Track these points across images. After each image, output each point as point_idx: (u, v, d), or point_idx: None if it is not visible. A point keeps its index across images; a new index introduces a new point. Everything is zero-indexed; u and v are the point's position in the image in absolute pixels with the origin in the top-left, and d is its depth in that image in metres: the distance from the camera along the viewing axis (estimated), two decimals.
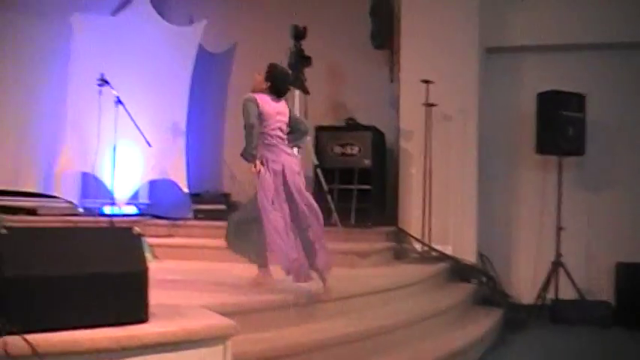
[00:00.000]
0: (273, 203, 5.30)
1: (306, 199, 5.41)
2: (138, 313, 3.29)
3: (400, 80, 8.84)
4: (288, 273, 5.28)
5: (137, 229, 3.40)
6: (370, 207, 8.50)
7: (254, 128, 5.36)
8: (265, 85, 5.61)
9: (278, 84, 5.65)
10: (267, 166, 5.41)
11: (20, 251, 3.14)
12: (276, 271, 5.48)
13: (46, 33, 9.55)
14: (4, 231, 3.16)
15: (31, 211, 8.74)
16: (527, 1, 8.78)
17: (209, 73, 9.79)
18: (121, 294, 3.23)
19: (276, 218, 5.25)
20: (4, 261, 3.08)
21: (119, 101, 8.09)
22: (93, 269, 3.20)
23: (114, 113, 8.11)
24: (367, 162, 8.58)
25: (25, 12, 9.52)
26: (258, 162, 5.42)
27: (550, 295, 8.31)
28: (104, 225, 7.89)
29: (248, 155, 5.47)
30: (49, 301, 3.10)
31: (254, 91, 5.61)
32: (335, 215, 7.97)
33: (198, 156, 9.60)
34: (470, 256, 8.33)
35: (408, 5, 8.80)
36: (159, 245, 7.29)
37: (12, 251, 3.11)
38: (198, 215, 9.14)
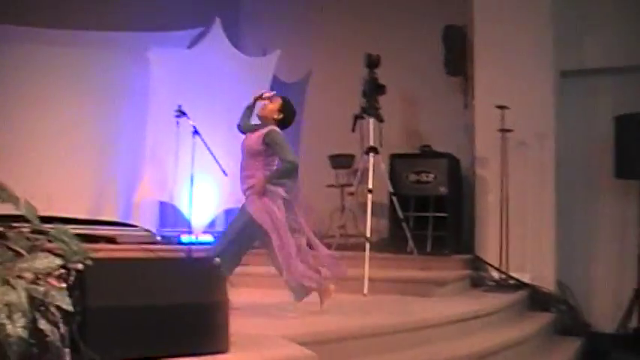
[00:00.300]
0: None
1: None
2: (219, 344, 3.33)
3: (475, 106, 8.77)
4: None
5: (217, 260, 3.44)
6: (446, 235, 8.46)
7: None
8: (278, 115, 5.94)
9: (290, 118, 6.05)
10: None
11: (103, 282, 3.22)
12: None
13: (124, 67, 9.85)
14: (88, 262, 3.24)
15: (111, 240, 8.94)
16: (600, 23, 8.63)
17: None
18: (202, 324, 3.27)
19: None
20: (88, 292, 3.16)
21: (196, 132, 8.23)
22: (174, 300, 3.25)
23: (191, 143, 8.26)
24: (443, 189, 8.53)
25: (104, 48, 9.84)
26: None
27: (632, 323, 8.06)
28: (183, 254, 8.01)
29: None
30: (131, 331, 3.17)
31: (265, 118, 5.99)
32: (411, 243, 7.93)
33: None
34: (549, 284, 8.16)
35: (481, 31, 8.74)
36: (235, 273, 7.34)
37: (95, 282, 3.19)
38: None
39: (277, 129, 5.85)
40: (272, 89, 9.26)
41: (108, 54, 9.90)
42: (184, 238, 9.10)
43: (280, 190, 5.88)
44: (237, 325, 3.59)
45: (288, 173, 5.90)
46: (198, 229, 9.08)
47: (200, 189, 8.76)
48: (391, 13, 9.69)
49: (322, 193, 9.38)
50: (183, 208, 8.95)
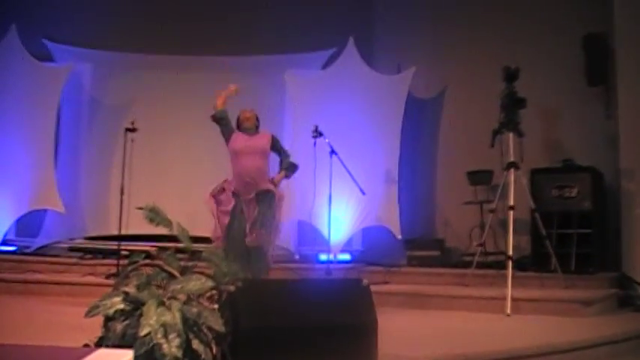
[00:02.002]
0: None
1: None
2: None
3: (618, 117, 8.42)
4: None
5: (366, 281, 3.43)
6: (591, 252, 8.11)
7: None
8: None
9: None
10: None
11: (253, 303, 3.26)
12: None
13: (261, 90, 10.07)
14: (239, 283, 3.29)
15: None
16: None
17: (419, 119, 9.84)
18: (351, 346, 3.26)
19: None
20: (240, 313, 3.20)
21: (333, 151, 8.28)
22: (324, 321, 3.26)
23: (328, 163, 8.32)
24: (587, 204, 8.22)
25: (242, 72, 10.11)
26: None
27: None
28: (330, 275, 8.08)
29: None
30: (282, 351, 3.19)
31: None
32: (554, 261, 7.67)
33: (411, 202, 9.61)
34: None
35: (623, 37, 8.40)
36: (375, 292, 7.31)
37: (247, 303, 3.23)
38: (412, 261, 9.13)
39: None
40: (406, 106, 9.31)
41: (245, 78, 10.15)
42: (322, 256, 9.17)
43: None
44: (383, 346, 3.56)
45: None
46: (335, 247, 9.12)
47: (337, 208, 8.82)
48: (527, 24, 9.45)
49: (460, 210, 9.24)
50: (321, 226, 9.01)
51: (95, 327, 3.37)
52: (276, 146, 7.01)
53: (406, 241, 9.29)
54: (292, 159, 6.99)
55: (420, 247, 9.25)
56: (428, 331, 5.82)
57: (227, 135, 6.89)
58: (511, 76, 7.74)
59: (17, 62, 9.80)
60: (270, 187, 6.67)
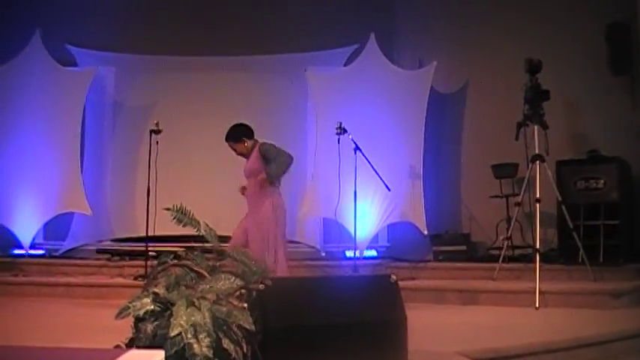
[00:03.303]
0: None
1: None
2: None
3: None
4: None
5: (393, 277, 3.43)
6: (619, 243, 8.05)
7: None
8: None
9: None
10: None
11: (282, 301, 3.26)
12: None
13: (284, 88, 10.11)
14: (268, 282, 3.30)
15: None
16: None
17: (441, 114, 9.81)
18: (381, 341, 3.26)
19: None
20: (268, 311, 3.21)
21: (357, 148, 8.29)
22: (353, 317, 3.26)
23: (353, 160, 8.33)
24: (614, 195, 8.15)
25: (264, 71, 10.16)
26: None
27: None
28: (357, 272, 8.09)
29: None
30: (312, 349, 3.20)
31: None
32: (582, 253, 7.61)
33: (436, 197, 9.58)
34: None
35: None
36: (402, 288, 7.30)
37: (275, 302, 3.24)
38: (439, 257, 9.11)
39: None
40: (429, 101, 9.27)
41: (268, 77, 10.23)
42: (349, 253, 9.17)
43: None
44: (413, 342, 3.55)
45: None
46: (361, 244, 9.12)
47: (363, 204, 8.83)
48: (550, 14, 9.37)
49: (486, 204, 9.19)
50: (347, 223, 9.02)
51: (124, 328, 3.40)
52: (265, 155, 6.94)
53: (432, 237, 9.26)
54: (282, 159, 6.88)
55: (446, 242, 9.22)
56: (456, 327, 5.81)
57: None
58: (534, 67, 7.68)
59: (41, 67, 9.90)
60: (263, 209, 6.76)
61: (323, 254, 9.62)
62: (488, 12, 9.89)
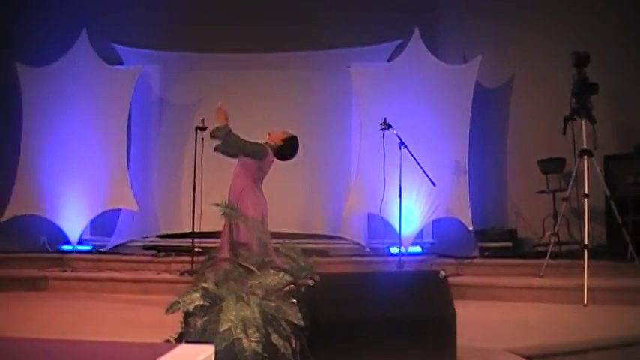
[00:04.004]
0: None
1: None
2: (447, 358, 3.28)
3: None
4: None
5: (442, 273, 3.41)
6: None
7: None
8: (278, 143, 6.51)
9: (285, 152, 6.55)
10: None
11: (331, 296, 3.26)
12: None
13: (328, 84, 10.13)
14: (317, 277, 3.30)
15: (323, 253, 9.16)
16: None
17: (487, 108, 9.70)
18: (430, 338, 3.24)
19: None
20: (317, 307, 3.22)
21: (402, 143, 8.26)
22: (402, 313, 3.25)
23: (398, 155, 8.30)
24: None
25: (308, 67, 10.17)
26: None
27: None
28: (402, 268, 8.07)
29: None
30: (360, 345, 3.19)
31: (271, 139, 6.55)
32: (631, 249, 7.49)
33: (482, 193, 9.50)
34: None
35: None
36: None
37: (323, 298, 3.24)
38: (484, 253, 9.04)
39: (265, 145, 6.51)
40: (474, 96, 9.19)
41: (312, 73, 10.25)
42: (393, 249, 9.15)
43: None
44: (461, 338, 3.53)
45: None
46: (406, 240, 9.08)
47: (407, 200, 8.80)
48: (596, 6, 9.23)
49: (532, 199, 9.09)
50: (392, 219, 9.00)
51: (172, 323, 3.43)
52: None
53: (477, 233, 9.18)
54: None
55: (491, 238, 9.13)
56: (504, 323, 5.76)
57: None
58: (581, 60, 7.55)
59: (88, 66, 10.04)
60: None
61: (368, 250, 9.62)
62: (533, 4, 9.78)
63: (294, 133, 6.69)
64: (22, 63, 10.06)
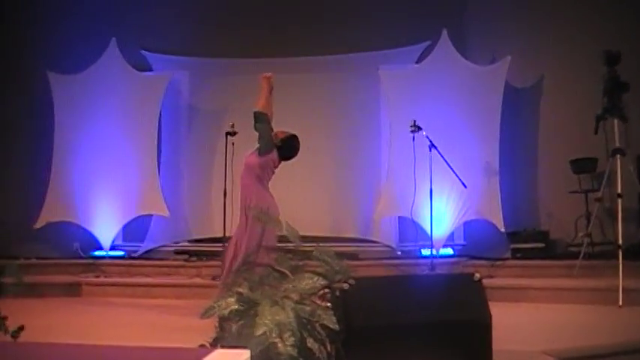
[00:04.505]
0: None
1: None
2: None
3: None
4: None
5: (477, 275, 3.39)
6: None
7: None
8: (277, 141, 6.41)
9: (285, 152, 6.49)
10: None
11: (366, 300, 3.26)
12: None
13: (356, 87, 10.14)
14: (352, 281, 3.30)
15: (353, 256, 9.15)
16: None
17: (517, 109, 9.63)
18: (466, 341, 3.22)
19: None
20: (352, 311, 3.21)
21: (432, 145, 8.24)
22: (438, 316, 3.23)
23: (428, 157, 8.28)
24: None
25: (337, 70, 10.19)
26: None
27: None
28: (434, 271, 8.05)
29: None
30: (396, 348, 3.18)
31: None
32: None
33: (513, 194, 9.42)
34: None
35: None
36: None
37: (358, 301, 3.23)
38: (517, 254, 8.97)
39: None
40: (504, 96, 9.12)
41: (341, 76, 10.26)
42: (424, 252, 9.12)
43: None
44: (496, 341, 3.50)
45: None
46: (438, 242, 9.04)
47: (438, 202, 8.77)
48: (625, 4, 9.13)
49: (564, 199, 9.00)
50: (423, 222, 8.97)
51: (204, 328, 3.44)
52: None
53: (509, 234, 9.10)
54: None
55: (523, 240, 9.05)
56: (538, 325, 5.72)
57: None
58: (613, 59, 7.48)
59: (118, 73, 10.13)
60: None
61: (398, 253, 9.59)
62: (562, 3, 9.70)
63: (295, 132, 6.65)
64: (53, 71, 10.17)
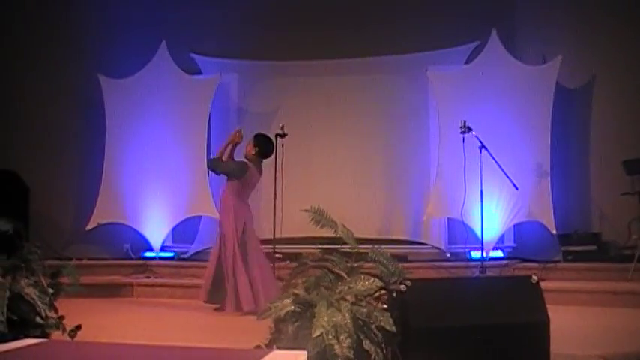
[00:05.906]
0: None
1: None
2: None
3: None
4: None
5: (534, 277, 3.35)
6: None
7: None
8: (252, 152, 7.43)
9: (264, 151, 7.49)
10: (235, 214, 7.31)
11: (422, 302, 3.25)
12: None
13: (405, 89, 10.11)
14: (408, 283, 3.29)
15: (402, 258, 9.11)
16: None
17: (568, 109, 9.51)
18: (523, 344, 3.20)
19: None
20: (409, 313, 3.20)
21: (483, 146, 8.17)
22: (495, 319, 3.21)
23: (478, 159, 8.22)
24: None
25: (386, 72, 10.17)
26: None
27: None
28: (484, 273, 7.99)
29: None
30: (453, 351, 3.17)
31: (246, 153, 7.51)
32: None
33: (564, 195, 9.31)
34: None
35: None
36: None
37: (415, 303, 3.22)
38: (568, 257, 8.85)
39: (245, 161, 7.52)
40: (555, 97, 9.01)
41: (389, 78, 10.24)
42: (474, 254, 9.06)
43: None
44: (552, 344, 3.46)
45: None
46: (488, 244, 8.97)
47: (489, 204, 8.70)
48: None
49: (617, 201, 8.85)
50: (473, 224, 8.90)
51: (257, 329, 3.46)
52: None
53: (560, 236, 8.99)
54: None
55: (575, 242, 8.92)
56: (593, 329, 5.64)
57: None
58: None
59: (168, 76, 10.23)
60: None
61: (448, 255, 9.54)
62: (614, 2, 9.55)
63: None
64: (105, 75, 10.32)
